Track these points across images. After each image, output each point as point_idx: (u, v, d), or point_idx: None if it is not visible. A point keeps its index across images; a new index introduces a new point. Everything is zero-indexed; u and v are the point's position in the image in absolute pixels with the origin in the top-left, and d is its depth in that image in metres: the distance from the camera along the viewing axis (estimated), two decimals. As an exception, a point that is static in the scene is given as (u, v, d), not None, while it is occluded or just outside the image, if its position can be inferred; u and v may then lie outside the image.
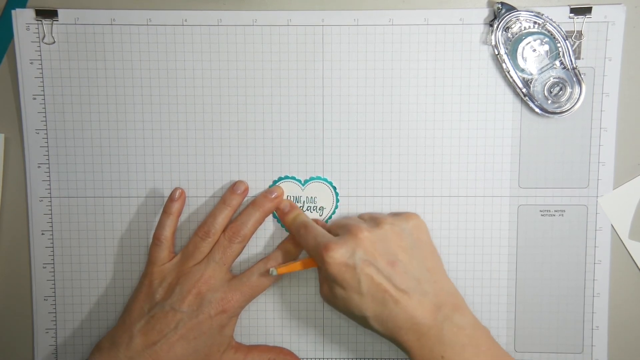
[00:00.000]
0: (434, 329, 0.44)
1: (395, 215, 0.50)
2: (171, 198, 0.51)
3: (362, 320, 0.46)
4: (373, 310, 0.45)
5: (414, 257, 0.47)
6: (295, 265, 0.49)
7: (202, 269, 0.49)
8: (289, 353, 0.53)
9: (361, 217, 0.51)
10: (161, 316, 0.48)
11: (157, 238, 0.51)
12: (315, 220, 0.52)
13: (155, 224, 0.52)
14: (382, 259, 0.45)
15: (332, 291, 0.47)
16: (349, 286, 0.45)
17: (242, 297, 0.49)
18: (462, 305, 0.47)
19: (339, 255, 0.45)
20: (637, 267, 0.53)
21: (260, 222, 0.51)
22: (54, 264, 0.53)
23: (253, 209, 0.51)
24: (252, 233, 0.51)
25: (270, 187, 0.52)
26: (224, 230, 0.51)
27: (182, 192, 0.51)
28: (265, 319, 0.54)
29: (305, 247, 0.49)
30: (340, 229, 0.48)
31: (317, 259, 0.47)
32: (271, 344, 0.53)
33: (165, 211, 0.51)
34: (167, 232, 0.51)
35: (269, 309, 0.54)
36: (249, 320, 0.54)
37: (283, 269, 0.49)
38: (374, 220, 0.49)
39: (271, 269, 0.49)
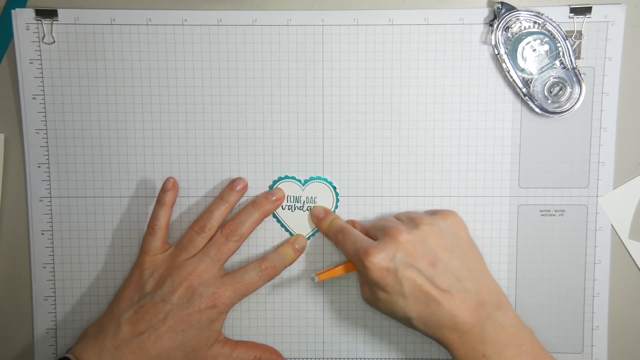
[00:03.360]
0: (477, 328, 0.45)
1: (433, 213, 0.50)
2: (164, 188, 0.51)
3: (406, 322, 0.47)
4: (417, 311, 0.45)
5: (454, 256, 0.47)
6: (337, 271, 0.49)
7: (195, 263, 0.49)
8: (274, 352, 0.53)
9: (398, 217, 0.51)
10: (150, 306, 0.48)
11: (151, 227, 0.51)
12: (352, 223, 0.52)
13: (155, 223, 0.52)
14: (423, 260, 0.45)
15: (374, 295, 0.47)
16: (392, 290, 0.45)
17: (234, 294, 0.49)
18: (505, 303, 0.47)
19: (379, 259, 0.45)
20: (637, 267, 0.53)
21: (259, 222, 0.51)
22: (54, 264, 0.53)
23: (253, 209, 0.51)
24: (250, 232, 0.51)
25: (270, 187, 0.52)
26: (221, 227, 0.51)
27: (175, 182, 0.51)
28: (256, 319, 0.54)
29: (345, 252, 0.49)
30: (378, 232, 0.48)
31: (357, 264, 0.47)
32: (258, 341, 0.53)
33: (159, 202, 0.51)
34: (161, 221, 0.50)
35: (260, 309, 0.54)
36: (241, 319, 0.54)
37: (324, 276, 0.49)
38: (411, 220, 0.48)
39: (313, 276, 0.49)
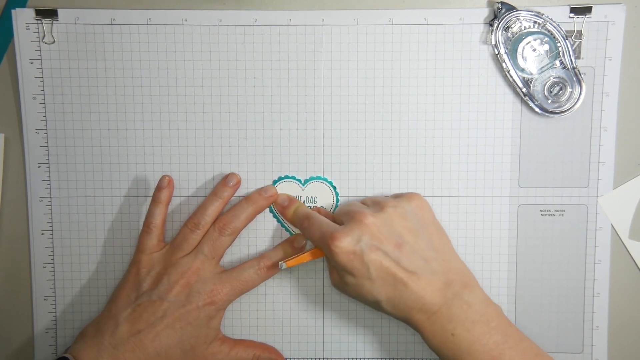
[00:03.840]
0: (444, 307, 0.45)
1: (398, 196, 0.50)
2: (159, 186, 0.51)
3: (375, 305, 0.46)
4: (384, 294, 0.45)
5: (419, 237, 0.47)
6: (304, 257, 0.49)
7: (190, 261, 0.49)
8: (274, 351, 0.53)
9: (364, 202, 0.51)
10: (148, 305, 0.48)
11: (147, 226, 0.50)
12: (318, 210, 0.52)
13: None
14: (389, 243, 0.45)
15: (342, 279, 0.47)
16: (359, 273, 0.45)
17: (232, 290, 0.49)
18: (472, 282, 0.47)
19: (345, 243, 0.45)
20: (637, 267, 0.53)
21: (252, 218, 0.51)
22: (54, 264, 0.53)
23: (246, 204, 0.51)
24: (243, 227, 0.51)
25: (271, 187, 0.52)
26: (214, 222, 0.51)
27: (170, 180, 0.51)
28: (256, 319, 0.54)
29: (311, 238, 0.49)
30: (344, 216, 0.48)
31: (324, 249, 0.47)
32: (257, 340, 0.53)
33: (154, 200, 0.51)
34: (157, 220, 0.51)
35: (260, 308, 0.54)
36: (241, 318, 0.54)
37: (292, 262, 0.49)
38: (376, 204, 0.48)
39: (280, 263, 0.49)
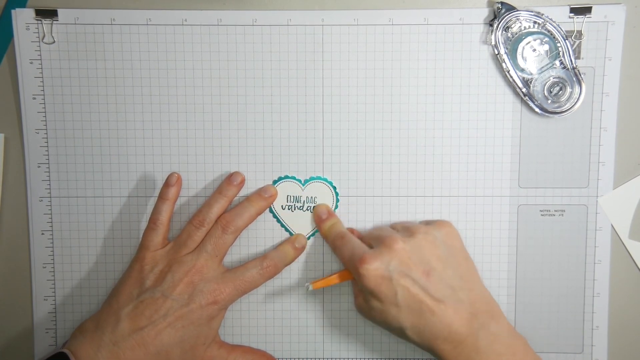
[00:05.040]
0: (470, 338, 0.45)
1: (428, 223, 0.51)
2: (167, 183, 0.51)
3: (399, 332, 0.47)
4: (410, 321, 0.45)
5: (448, 266, 0.47)
6: (331, 279, 0.49)
7: (194, 259, 0.49)
8: (270, 357, 0.53)
9: (393, 227, 0.51)
10: (151, 302, 0.48)
11: (152, 222, 0.50)
12: (351, 230, 0.52)
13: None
14: (417, 269, 0.46)
15: (368, 303, 0.47)
16: (386, 298, 0.45)
17: (235, 290, 0.49)
18: (498, 313, 0.47)
19: (374, 267, 0.45)
20: (637, 267, 0.53)
21: (254, 217, 0.51)
22: (54, 264, 0.53)
23: (248, 204, 0.51)
24: (245, 226, 0.51)
25: (271, 186, 0.52)
26: (216, 220, 0.51)
27: (179, 177, 0.51)
28: (256, 319, 0.54)
29: (341, 258, 0.49)
30: (374, 240, 0.48)
31: (352, 270, 0.47)
32: (254, 346, 0.53)
33: (161, 197, 0.51)
34: (163, 217, 0.50)
35: (260, 309, 0.54)
36: (241, 318, 0.54)
37: (319, 284, 0.49)
38: (407, 230, 0.49)
39: (307, 284, 0.49)
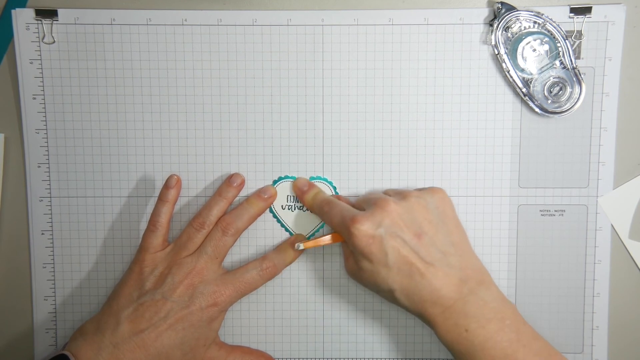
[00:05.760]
0: (459, 302, 0.44)
1: (421, 189, 0.50)
2: (167, 185, 0.51)
3: (388, 294, 0.46)
4: (400, 282, 0.45)
5: (439, 230, 0.47)
6: (323, 240, 0.49)
7: (194, 261, 0.49)
8: (269, 358, 0.53)
9: (386, 192, 0.51)
10: (151, 304, 0.48)
11: (152, 224, 0.50)
12: (338, 197, 0.52)
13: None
14: (409, 231, 0.45)
15: (358, 264, 0.47)
16: (376, 259, 0.45)
17: (235, 292, 0.49)
18: (488, 280, 0.47)
19: (365, 227, 0.45)
20: (637, 267, 0.53)
21: (254, 219, 0.51)
22: (54, 264, 0.53)
23: (248, 205, 0.51)
24: (245, 227, 0.51)
25: (270, 187, 0.52)
26: (216, 222, 0.51)
27: (179, 180, 0.51)
28: (256, 319, 0.54)
29: (330, 222, 0.49)
30: (365, 203, 0.48)
31: (343, 232, 0.47)
32: (254, 346, 0.53)
33: (161, 198, 0.51)
34: (163, 219, 0.50)
35: (261, 309, 0.54)
36: (241, 318, 0.54)
37: (309, 243, 0.49)
38: (399, 194, 0.49)
39: (297, 244, 0.49)
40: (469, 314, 0.44)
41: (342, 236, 0.48)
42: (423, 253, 0.45)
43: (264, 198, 0.51)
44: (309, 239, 0.53)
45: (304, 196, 0.51)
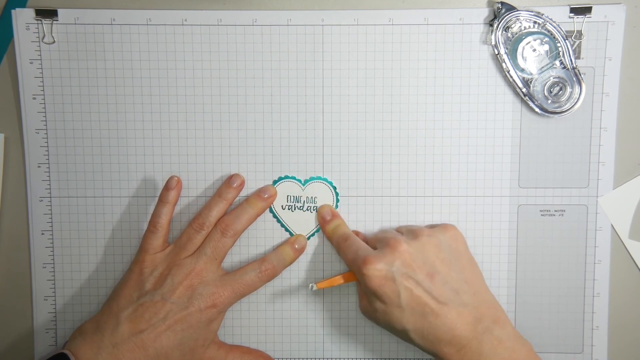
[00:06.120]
0: (474, 342, 0.45)
1: (432, 226, 0.51)
2: (167, 187, 0.51)
3: (403, 334, 0.47)
4: (413, 323, 0.45)
5: (452, 269, 0.47)
6: (336, 280, 0.49)
7: (193, 262, 0.49)
8: (268, 358, 0.53)
9: (398, 229, 0.51)
10: (150, 305, 0.48)
11: (152, 225, 0.50)
12: (356, 233, 0.52)
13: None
14: (421, 272, 0.46)
15: (372, 305, 0.47)
16: (389, 300, 0.45)
17: (233, 294, 0.49)
18: (503, 318, 0.47)
19: (377, 268, 0.45)
20: (637, 267, 0.53)
21: (253, 219, 0.51)
22: (54, 264, 0.53)
23: (247, 206, 0.51)
24: (244, 229, 0.51)
25: (270, 187, 0.52)
26: (216, 223, 0.51)
27: (179, 181, 0.51)
28: (256, 319, 0.54)
29: (345, 259, 0.49)
30: (378, 242, 0.48)
31: (356, 272, 0.47)
32: (254, 346, 0.53)
33: (161, 200, 0.51)
34: (163, 220, 0.50)
35: (260, 309, 0.54)
36: (241, 318, 0.54)
37: (323, 284, 0.49)
38: (411, 232, 0.49)
39: (310, 285, 0.49)
40: (483, 354, 0.44)
41: (355, 276, 0.48)
42: (436, 293, 0.45)
43: (263, 198, 0.51)
44: (309, 238, 0.53)
45: (325, 226, 0.52)
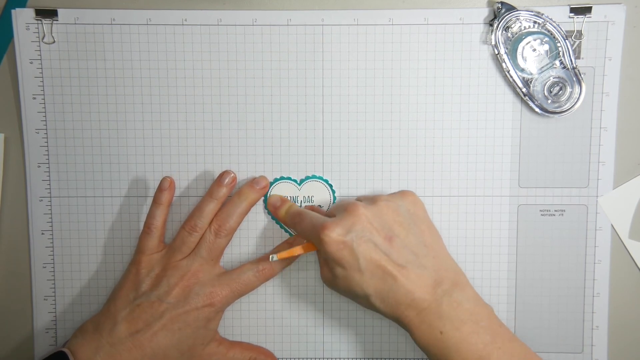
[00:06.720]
0: (433, 304, 0.44)
1: (391, 194, 0.50)
2: (161, 188, 0.51)
3: (364, 300, 0.46)
4: (373, 287, 0.45)
5: (410, 232, 0.46)
6: (295, 250, 0.49)
7: (188, 264, 0.49)
8: (269, 354, 0.53)
9: (358, 199, 0.51)
10: (147, 306, 0.48)
11: (147, 227, 0.50)
12: (312, 207, 0.52)
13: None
14: (379, 235, 0.45)
15: (332, 272, 0.46)
16: (348, 264, 0.45)
17: (231, 293, 0.49)
18: (463, 281, 0.46)
19: (335, 233, 0.45)
20: (637, 267, 0.53)
21: (246, 213, 0.51)
22: (54, 264, 0.53)
23: (239, 200, 0.51)
24: (238, 225, 0.51)
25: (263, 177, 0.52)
26: (209, 224, 0.50)
27: (172, 182, 0.51)
28: (256, 318, 0.54)
29: (302, 233, 0.49)
30: (336, 210, 0.48)
31: (315, 240, 0.47)
32: (256, 341, 0.53)
33: (155, 201, 0.51)
34: (158, 221, 0.50)
35: (260, 308, 0.54)
36: (241, 318, 0.54)
37: (283, 254, 0.49)
38: (369, 199, 0.49)
39: (271, 256, 0.48)
40: (443, 316, 0.44)
41: (314, 245, 0.48)
42: (394, 256, 0.45)
43: (256, 189, 0.51)
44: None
45: (277, 212, 0.51)
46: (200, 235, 0.50)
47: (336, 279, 0.46)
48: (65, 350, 0.47)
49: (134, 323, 0.48)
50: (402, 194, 0.49)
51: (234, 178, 0.51)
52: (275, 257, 0.48)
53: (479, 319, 0.44)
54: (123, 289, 0.50)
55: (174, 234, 0.52)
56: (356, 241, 0.44)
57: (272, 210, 0.52)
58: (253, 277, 0.50)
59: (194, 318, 0.48)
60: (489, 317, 0.45)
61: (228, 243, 0.51)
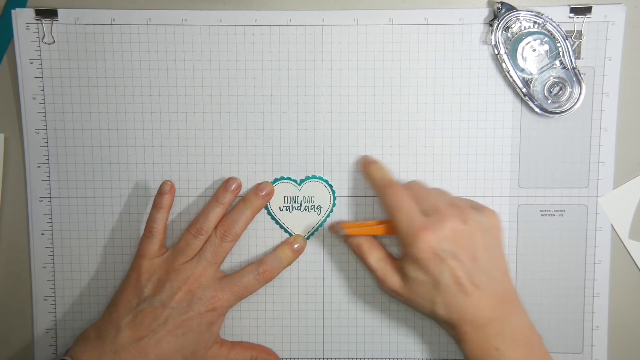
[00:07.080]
0: (494, 322, 0.46)
1: (479, 210, 0.49)
2: (161, 192, 0.51)
3: (428, 304, 0.47)
4: (443, 297, 0.46)
5: (491, 258, 0.47)
6: (371, 229, 0.49)
7: (192, 267, 0.49)
8: (270, 352, 0.53)
9: (438, 191, 0.50)
10: (150, 311, 0.48)
11: (148, 231, 0.50)
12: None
13: (156, 223, 0.52)
14: (465, 255, 0.46)
15: (405, 270, 0.47)
16: (430, 273, 0.46)
17: (233, 296, 0.49)
18: (522, 308, 0.48)
19: (433, 242, 0.45)
20: (637, 267, 0.53)
21: (251, 219, 0.51)
22: (54, 264, 0.53)
23: (244, 207, 0.51)
24: (243, 230, 0.51)
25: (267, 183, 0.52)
26: (215, 227, 0.51)
27: (172, 185, 0.51)
28: (256, 319, 0.54)
29: (389, 212, 0.48)
30: (426, 204, 0.47)
31: (405, 236, 0.46)
32: (256, 341, 0.54)
33: (156, 205, 0.51)
34: (159, 225, 0.50)
35: (260, 309, 0.54)
36: (241, 318, 0.54)
37: (355, 231, 0.49)
38: (458, 209, 0.48)
39: (341, 229, 0.49)
40: (501, 334, 0.45)
41: (397, 232, 0.47)
42: (474, 276, 0.46)
43: (260, 196, 0.51)
44: (309, 238, 0.53)
45: (367, 168, 0.51)
46: (205, 239, 0.50)
47: (407, 278, 0.47)
48: (68, 358, 0.47)
49: (138, 329, 0.47)
50: (490, 214, 0.49)
51: (239, 185, 0.52)
52: (344, 231, 0.48)
53: (532, 344, 0.46)
54: (124, 294, 0.50)
55: (173, 237, 0.52)
56: (446, 256, 0.45)
57: (361, 165, 0.52)
58: (254, 279, 0.50)
59: (197, 323, 0.48)
60: (540, 344, 0.47)
61: (232, 247, 0.51)
